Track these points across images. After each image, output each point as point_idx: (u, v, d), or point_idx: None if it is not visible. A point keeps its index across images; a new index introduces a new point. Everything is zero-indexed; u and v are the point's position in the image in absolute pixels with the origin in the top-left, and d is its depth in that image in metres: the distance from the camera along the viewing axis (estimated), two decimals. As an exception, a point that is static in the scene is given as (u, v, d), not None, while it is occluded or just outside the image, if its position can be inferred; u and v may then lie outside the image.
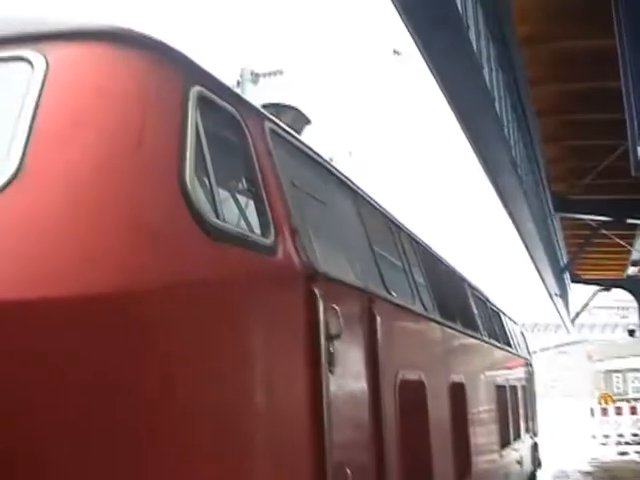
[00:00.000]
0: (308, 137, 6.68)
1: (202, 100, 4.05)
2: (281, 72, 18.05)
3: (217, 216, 3.85)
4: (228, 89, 4.58)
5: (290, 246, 4.43)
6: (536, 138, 13.30)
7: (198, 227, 3.61)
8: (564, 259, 22.05)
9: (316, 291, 4.51)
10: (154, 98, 3.80)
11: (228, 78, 19.07)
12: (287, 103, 7.97)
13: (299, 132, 8.03)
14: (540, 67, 11.61)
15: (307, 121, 8.13)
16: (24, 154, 3.28)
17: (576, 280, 27.85)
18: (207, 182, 3.93)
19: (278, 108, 7.71)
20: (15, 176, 3.21)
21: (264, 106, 7.87)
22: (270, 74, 17.98)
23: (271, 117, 5.21)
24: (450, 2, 7.46)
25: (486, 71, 8.30)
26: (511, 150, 10.37)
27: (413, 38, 7.76)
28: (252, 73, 18.00)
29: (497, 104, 9.15)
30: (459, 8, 7.71)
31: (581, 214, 17.46)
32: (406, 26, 7.72)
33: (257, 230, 4.30)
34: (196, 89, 4.03)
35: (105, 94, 3.64)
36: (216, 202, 3.90)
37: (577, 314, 32.53)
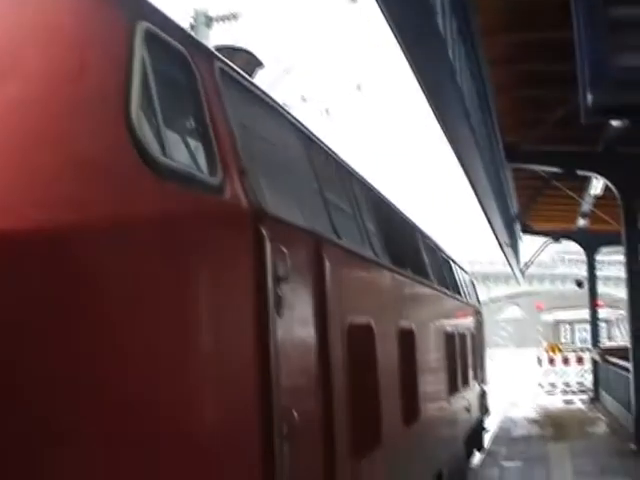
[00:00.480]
0: (260, 80, 6.63)
1: (149, 36, 3.96)
2: (235, 16, 17.84)
3: (164, 153, 3.79)
4: (177, 26, 4.50)
5: (238, 186, 4.39)
6: (489, 88, 13.30)
7: (143, 163, 3.55)
8: (515, 209, 22.20)
9: (264, 232, 4.48)
10: (97, 32, 3.72)
11: (181, 21, 18.79)
12: (240, 46, 7.90)
13: (251, 75, 7.98)
14: (494, 15, 11.59)
15: (259, 64, 8.08)
16: None
17: (527, 231, 28.10)
18: (153, 119, 3.85)
19: (230, 51, 7.65)
20: None
21: (217, 48, 7.79)
22: (224, 18, 17.76)
23: (221, 57, 5.13)
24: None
25: (440, 17, 8.26)
26: (464, 99, 10.36)
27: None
28: (206, 16, 17.77)
29: (450, 52, 9.12)
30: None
31: (532, 165, 17.56)
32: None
33: (205, 169, 4.24)
34: (143, 25, 3.94)
35: (46, 27, 3.55)
36: (163, 139, 3.83)
37: (527, 264, 32.86)
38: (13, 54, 3.42)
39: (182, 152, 4.15)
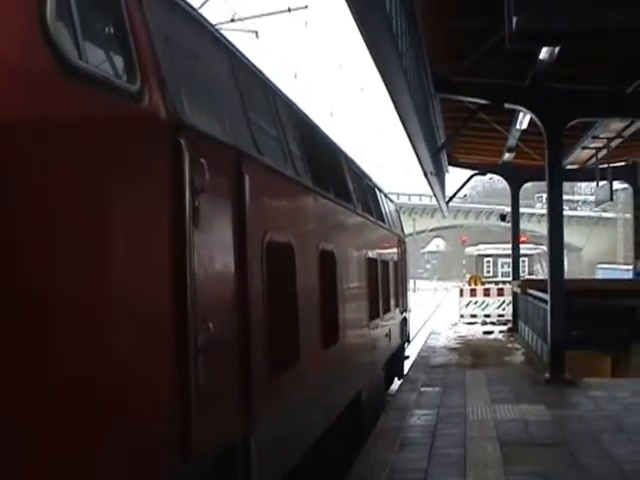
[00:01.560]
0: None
1: None
2: None
3: (80, 57, 3.71)
4: None
5: (157, 95, 4.34)
6: (419, 14, 13.24)
7: (58, 64, 3.48)
8: (442, 140, 22.29)
9: (182, 142, 4.45)
10: None
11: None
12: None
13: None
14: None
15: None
16: None
17: (453, 163, 28.30)
18: (70, 23, 3.76)
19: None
20: None
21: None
22: None
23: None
24: None
25: None
26: (391, 22, 10.30)
27: None
28: None
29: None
30: None
31: (460, 96, 17.60)
32: None
33: (123, 77, 4.17)
34: None
35: None
36: (79, 43, 3.75)
37: (452, 196, 33.16)
38: None
39: (100, 58, 4.07)
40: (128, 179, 3.99)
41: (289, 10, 20.94)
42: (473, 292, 35.91)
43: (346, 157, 12.71)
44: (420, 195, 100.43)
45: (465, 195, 75.65)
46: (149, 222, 4.22)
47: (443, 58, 15.71)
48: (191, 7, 5.82)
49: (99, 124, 3.75)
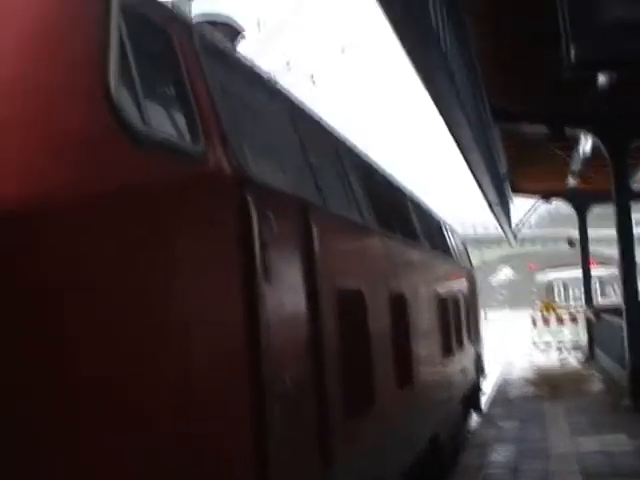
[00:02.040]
0: (244, 48, 6.59)
1: (126, 7, 3.93)
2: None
3: (143, 122, 3.76)
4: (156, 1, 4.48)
5: (220, 152, 4.38)
6: (474, 47, 13.24)
7: (123, 132, 3.53)
8: (504, 169, 22.14)
9: (248, 198, 4.48)
10: (76, 9, 3.69)
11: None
12: (221, 14, 7.84)
13: (233, 43, 7.91)
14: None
15: (241, 33, 8.01)
16: None
17: (516, 191, 28.03)
18: (133, 88, 3.83)
19: (211, 17, 7.59)
20: None
21: (197, 18, 7.74)
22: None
23: (201, 26, 5.12)
24: None
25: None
26: (447, 59, 10.33)
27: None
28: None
29: (433, 14, 9.09)
30: None
31: (520, 124, 17.49)
32: None
33: (187, 138, 4.23)
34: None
35: (23, 4, 3.52)
36: (142, 108, 3.81)
37: (518, 225, 32.89)
38: None
39: (163, 121, 4.13)
40: (197, 239, 4.03)
41: (342, 50, 21.02)
42: (545, 320, 35.45)
43: (409, 194, 12.69)
44: (485, 225, 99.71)
45: (531, 222, 74.99)
46: (220, 279, 4.24)
47: (500, 88, 15.64)
48: (245, 58, 5.90)
49: (166, 187, 3.79)
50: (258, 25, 16.79)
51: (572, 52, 7.69)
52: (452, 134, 14.04)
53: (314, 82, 18.75)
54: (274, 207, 4.86)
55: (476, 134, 14.90)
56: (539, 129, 17.58)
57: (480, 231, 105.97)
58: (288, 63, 18.33)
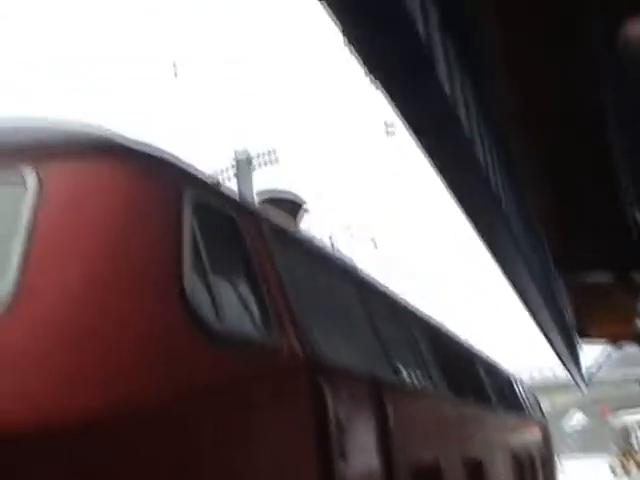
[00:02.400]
0: (306, 218, 6.71)
1: (198, 205, 4.02)
2: (275, 153, 18.17)
3: (217, 317, 3.81)
4: (223, 191, 4.60)
5: (293, 340, 4.41)
6: (532, 201, 13.31)
7: (198, 332, 3.57)
8: (571, 319, 21.92)
9: (322, 384, 4.48)
10: (149, 210, 3.79)
11: (222, 162, 19.24)
12: (283, 190, 8.04)
13: (296, 218, 8.09)
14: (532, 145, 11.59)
15: (304, 207, 8.19)
16: (19, 274, 3.18)
17: (584, 336, 27.65)
18: (205, 282, 3.89)
19: (274, 194, 7.79)
20: (10, 298, 3.11)
21: (260, 194, 7.94)
22: (264, 156, 18.07)
23: (267, 212, 5.23)
24: (444, 100, 7.44)
25: (478, 146, 8.35)
26: (507, 220, 10.41)
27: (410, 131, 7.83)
28: (246, 156, 18.07)
29: (492, 177, 9.20)
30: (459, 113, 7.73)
31: (585, 272, 17.41)
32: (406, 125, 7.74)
33: (259, 327, 4.27)
34: (191, 195, 4.01)
35: (99, 209, 3.62)
36: (215, 302, 3.85)
37: (590, 373, 32.28)
38: (70, 237, 3.47)
39: (236, 313, 4.17)
40: (274, 430, 4.03)
41: (403, 217, 21.43)
42: (626, 469, 34.34)
43: (475, 351, 12.58)
44: (552, 369, 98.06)
45: (600, 365, 73.59)
46: (299, 467, 4.23)
47: (563, 238, 15.64)
48: (311, 239, 6.00)
49: (241, 384, 3.81)
50: (318, 196, 17.15)
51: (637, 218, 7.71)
52: (515, 290, 14.02)
53: (375, 245, 19.12)
54: (348, 390, 4.87)
55: (539, 285, 14.85)
56: (605, 275, 17.46)
57: (548, 375, 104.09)
58: (349, 228, 18.68)
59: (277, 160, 17.88)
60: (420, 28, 6.04)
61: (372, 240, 18.88)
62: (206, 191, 4.27)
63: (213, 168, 18.83)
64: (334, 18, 5.66)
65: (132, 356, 3.23)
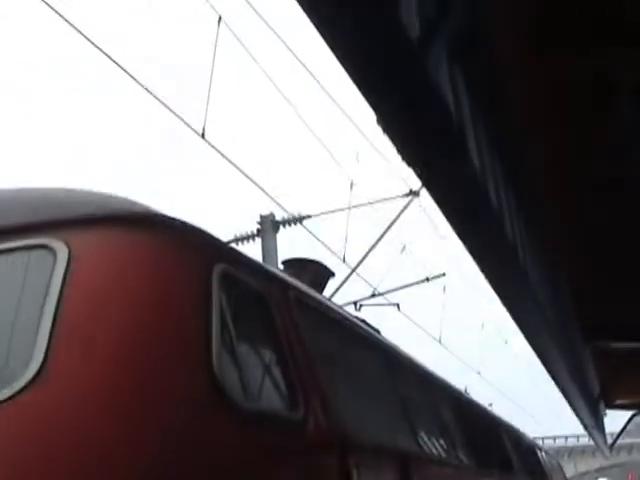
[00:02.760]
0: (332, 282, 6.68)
1: (225, 278, 4.01)
2: (301, 216, 18.20)
3: (246, 396, 3.78)
4: (251, 263, 4.60)
5: (320, 417, 4.37)
6: (562, 275, 13.31)
7: (227, 410, 3.55)
8: (597, 388, 21.70)
9: (350, 461, 4.44)
10: (178, 282, 3.78)
11: (248, 226, 19.28)
12: (309, 258, 8.03)
13: (323, 285, 8.07)
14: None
15: (330, 274, 8.18)
16: (47, 351, 3.14)
17: (611, 406, 27.31)
18: (234, 362, 3.86)
19: (301, 263, 7.78)
20: (37, 375, 3.07)
21: (287, 262, 7.93)
22: (290, 220, 18.11)
23: (293, 281, 5.21)
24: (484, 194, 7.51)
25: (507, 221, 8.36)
26: (535, 294, 10.41)
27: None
28: (272, 220, 18.12)
29: (518, 244, 9.19)
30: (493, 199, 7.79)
31: (612, 342, 17.28)
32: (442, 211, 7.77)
33: (286, 404, 4.23)
34: (219, 267, 4.00)
35: (129, 283, 3.61)
36: (244, 382, 3.83)
37: (614, 440, 31.84)
38: (100, 311, 3.45)
39: (263, 391, 4.15)
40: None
41: (427, 280, 21.45)
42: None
43: (501, 422, 12.48)
44: (577, 436, 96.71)
45: (625, 431, 72.51)
46: None
47: (592, 306, 15.54)
48: (338, 310, 5.98)
49: (270, 461, 3.78)
50: (343, 260, 17.16)
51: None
52: (539, 355, 13.91)
53: (399, 308, 19.14)
54: (374, 466, 4.82)
55: (565, 353, 14.73)
56: (632, 344, 17.32)
57: (572, 441, 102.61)
58: (374, 293, 18.68)
59: (303, 220, 17.93)
60: (452, 109, 6.09)
61: (396, 305, 18.83)
62: (235, 264, 4.26)
63: (239, 230, 18.91)
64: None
65: (161, 436, 3.21)
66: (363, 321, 6.99)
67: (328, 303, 5.91)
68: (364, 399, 5.66)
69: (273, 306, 4.47)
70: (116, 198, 4.11)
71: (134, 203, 4.08)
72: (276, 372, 4.36)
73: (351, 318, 6.30)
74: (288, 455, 4.00)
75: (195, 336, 3.63)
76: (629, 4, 6.74)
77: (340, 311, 6.10)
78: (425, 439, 6.48)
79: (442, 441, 7.34)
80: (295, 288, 5.07)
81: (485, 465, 8.80)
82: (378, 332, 7.16)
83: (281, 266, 8.09)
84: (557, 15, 6.79)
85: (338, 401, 4.77)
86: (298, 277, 5.95)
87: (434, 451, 6.66)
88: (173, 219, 4.02)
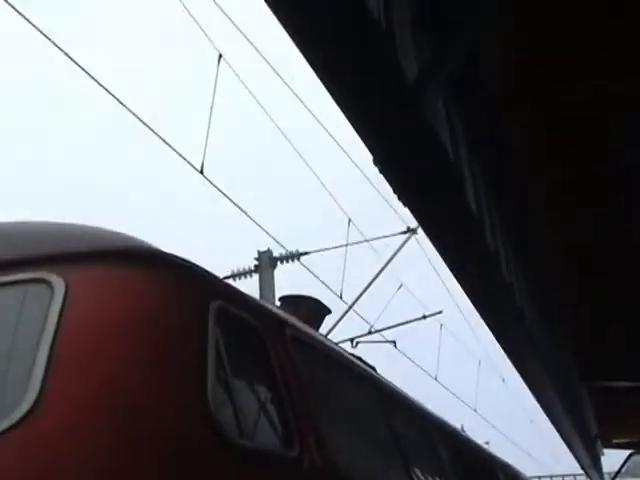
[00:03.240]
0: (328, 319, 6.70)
1: (222, 314, 4.03)
2: (299, 252, 18.24)
3: (240, 434, 3.79)
4: (247, 300, 4.62)
5: (316, 456, 4.36)
6: (561, 330, 13.38)
7: (221, 448, 3.55)
8: (594, 426, 21.62)
9: None
10: (174, 318, 3.80)
11: (245, 262, 19.30)
12: (306, 295, 8.07)
13: (319, 321, 8.10)
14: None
15: (327, 311, 8.21)
16: (44, 383, 3.18)
17: (609, 445, 27.14)
18: (229, 398, 3.88)
19: (298, 300, 7.81)
20: (34, 407, 3.10)
21: (283, 298, 7.96)
22: (287, 257, 18.14)
23: (289, 318, 5.23)
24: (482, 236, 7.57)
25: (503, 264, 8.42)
26: (531, 334, 10.44)
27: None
28: (270, 256, 18.16)
29: (516, 289, 9.24)
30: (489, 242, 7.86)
31: (608, 381, 17.24)
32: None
33: (281, 441, 4.23)
34: (215, 304, 4.02)
35: (125, 318, 3.63)
36: (239, 419, 3.84)
37: (611, 477, 31.59)
38: (96, 346, 3.48)
39: (258, 428, 4.15)
40: None
41: (424, 317, 21.48)
42: None
43: (492, 455, 12.44)
44: (574, 475, 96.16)
45: (623, 468, 71.92)
46: None
47: (590, 347, 15.54)
48: (335, 348, 5.99)
49: None
50: (340, 297, 17.20)
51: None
52: (535, 394, 13.91)
53: (395, 345, 19.20)
54: None
55: (561, 392, 14.72)
56: (630, 384, 17.31)
57: (568, 479, 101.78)
58: (370, 330, 18.73)
59: (300, 256, 17.98)
60: (449, 149, 6.15)
61: (393, 343, 18.93)
62: (231, 301, 4.28)
63: (236, 266, 18.91)
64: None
65: (157, 468, 3.22)
66: (359, 358, 7.01)
67: (324, 340, 5.92)
68: (359, 437, 5.66)
69: (269, 343, 4.49)
70: (113, 233, 4.15)
71: (131, 238, 4.12)
72: (271, 409, 4.37)
73: (347, 355, 6.31)
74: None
75: (191, 372, 3.64)
76: (615, 38, 6.85)
77: (336, 348, 6.12)
78: (421, 478, 6.45)
79: (435, 476, 7.32)
80: (291, 325, 5.08)
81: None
82: (374, 369, 7.18)
83: (278, 302, 8.13)
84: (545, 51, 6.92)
85: (333, 439, 4.77)
86: (295, 314, 5.99)
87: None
88: (170, 255, 4.05)
